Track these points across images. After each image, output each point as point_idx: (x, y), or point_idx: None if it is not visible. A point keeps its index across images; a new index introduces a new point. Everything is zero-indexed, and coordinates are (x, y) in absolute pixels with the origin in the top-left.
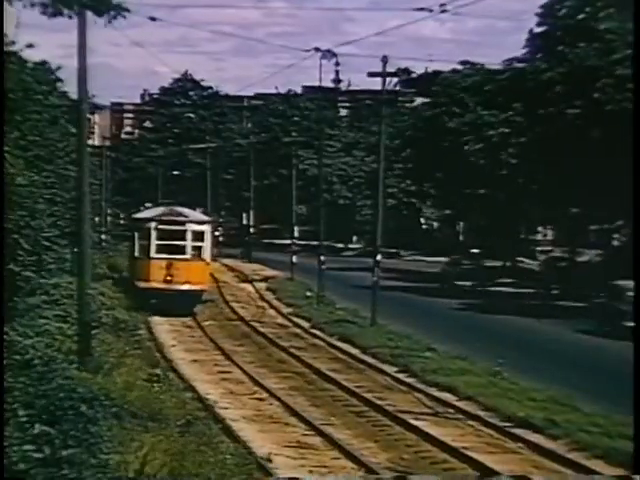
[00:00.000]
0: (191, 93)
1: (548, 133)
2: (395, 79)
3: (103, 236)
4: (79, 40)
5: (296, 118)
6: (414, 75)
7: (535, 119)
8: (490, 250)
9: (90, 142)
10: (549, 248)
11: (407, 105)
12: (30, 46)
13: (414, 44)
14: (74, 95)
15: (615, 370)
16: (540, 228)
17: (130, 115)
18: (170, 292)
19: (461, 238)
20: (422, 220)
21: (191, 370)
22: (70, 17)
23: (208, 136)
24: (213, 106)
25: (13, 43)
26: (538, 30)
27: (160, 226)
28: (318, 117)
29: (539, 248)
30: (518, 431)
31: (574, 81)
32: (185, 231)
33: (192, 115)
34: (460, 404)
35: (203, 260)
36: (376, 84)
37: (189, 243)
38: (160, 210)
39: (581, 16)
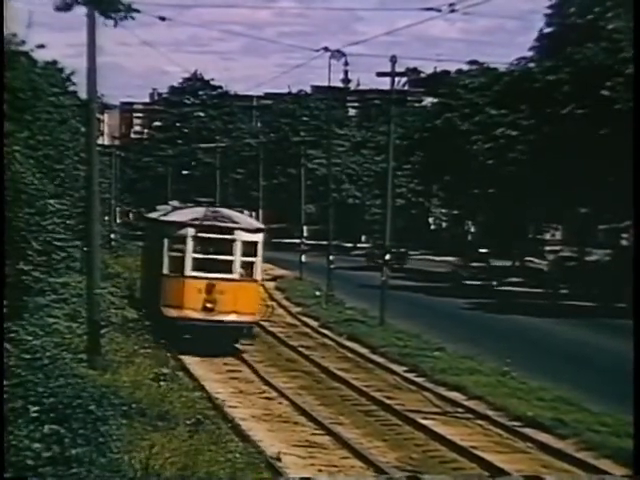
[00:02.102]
0: (201, 93)
1: (556, 133)
2: (404, 79)
3: (112, 235)
4: (88, 40)
5: (305, 118)
6: (423, 75)
7: (543, 119)
8: (499, 250)
9: (99, 141)
10: (558, 248)
11: (416, 105)
12: (41, 46)
13: (423, 44)
14: (84, 95)
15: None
16: (549, 228)
17: (139, 114)
18: (210, 325)
19: (469, 238)
20: (430, 220)
21: (201, 371)
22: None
23: (217, 135)
24: (223, 105)
25: (23, 43)
26: (546, 30)
27: (200, 234)
28: (327, 117)
29: (548, 248)
30: (527, 430)
31: (582, 81)
32: (233, 242)
33: (202, 114)
34: (469, 403)
35: (255, 281)
36: (385, 84)
37: (238, 258)
38: (199, 212)
39: (589, 16)
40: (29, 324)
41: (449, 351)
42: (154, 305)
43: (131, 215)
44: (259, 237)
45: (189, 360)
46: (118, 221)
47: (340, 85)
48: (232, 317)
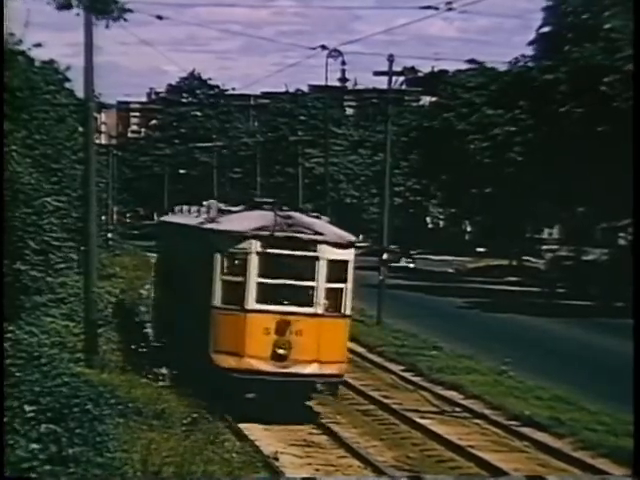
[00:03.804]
0: (198, 92)
1: (554, 132)
2: (401, 78)
3: (110, 235)
4: (86, 39)
5: (303, 117)
6: (420, 74)
7: (541, 118)
8: (496, 249)
9: (97, 141)
10: (555, 247)
11: (413, 104)
12: (38, 45)
13: (421, 43)
14: (81, 94)
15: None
16: (546, 227)
17: (137, 114)
18: (282, 379)
19: (467, 237)
20: (428, 219)
21: None
22: (78, 14)
23: (215, 135)
24: (220, 105)
25: (21, 42)
26: (544, 29)
27: (269, 249)
28: (325, 116)
29: (545, 247)
30: (524, 429)
31: (580, 80)
32: (316, 261)
33: (199, 114)
34: (466, 402)
35: (343, 316)
36: (382, 83)
37: (322, 284)
38: (264, 218)
39: (586, 15)
40: (26, 323)
41: (446, 350)
42: (196, 351)
43: (128, 215)
44: (350, 254)
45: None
46: (115, 220)
47: (337, 84)
48: (313, 368)
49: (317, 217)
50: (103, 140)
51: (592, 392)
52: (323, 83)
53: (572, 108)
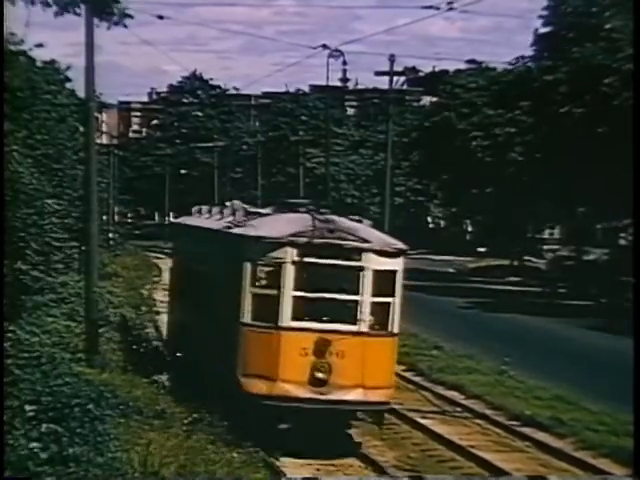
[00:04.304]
0: (199, 92)
1: (554, 132)
2: (402, 78)
3: (110, 234)
4: (87, 39)
5: (304, 117)
6: (421, 74)
7: (541, 118)
8: (497, 249)
9: (98, 141)
10: (556, 247)
11: (414, 104)
12: (39, 45)
13: (422, 43)
14: (82, 94)
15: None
16: (547, 227)
17: (138, 114)
18: (321, 407)
19: (468, 237)
20: (429, 219)
21: None
22: (78, 14)
23: (216, 135)
24: (221, 105)
25: (22, 42)
26: (544, 29)
27: (307, 258)
28: (326, 116)
29: (546, 247)
30: (525, 429)
31: (580, 80)
32: (360, 271)
33: (200, 114)
34: (467, 402)
35: (391, 334)
36: (384, 83)
37: (367, 298)
38: (301, 221)
39: (587, 15)
40: (27, 323)
41: (447, 350)
42: (221, 373)
43: (129, 215)
44: (398, 264)
45: None
46: (116, 220)
47: (339, 84)
48: (356, 394)
49: (359, 221)
50: (104, 140)
51: (593, 392)
52: (324, 83)
53: (573, 108)
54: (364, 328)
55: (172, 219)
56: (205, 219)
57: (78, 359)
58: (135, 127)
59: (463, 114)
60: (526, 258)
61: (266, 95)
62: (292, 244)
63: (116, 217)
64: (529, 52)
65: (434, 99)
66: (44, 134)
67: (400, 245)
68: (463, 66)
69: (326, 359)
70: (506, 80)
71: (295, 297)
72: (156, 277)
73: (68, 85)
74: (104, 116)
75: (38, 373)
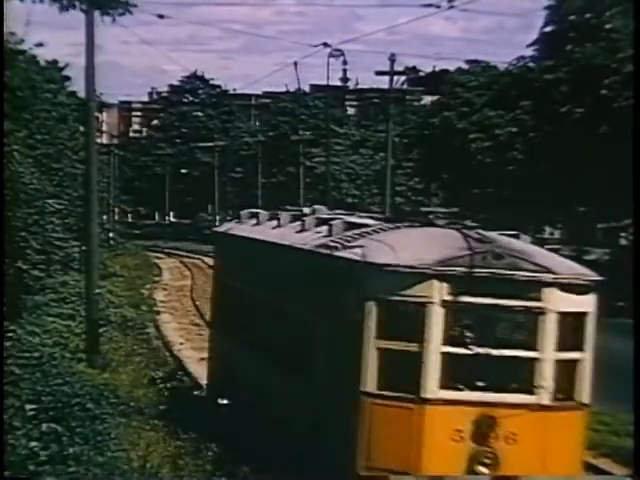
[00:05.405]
0: (200, 92)
1: (555, 132)
2: (403, 77)
3: (111, 234)
4: (87, 38)
5: (304, 116)
6: (422, 74)
7: (542, 118)
8: None
9: (98, 140)
10: (557, 247)
11: (415, 103)
12: (40, 45)
13: (424, 42)
14: (83, 93)
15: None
16: (547, 227)
17: (138, 113)
18: None
19: None
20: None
21: None
22: (83, 11)
23: (216, 134)
24: (221, 104)
25: (22, 41)
26: (545, 29)
27: (464, 297)
28: (326, 115)
29: (547, 246)
30: None
31: (581, 80)
32: (539, 314)
33: (200, 114)
34: None
35: (580, 407)
36: (384, 82)
37: (548, 354)
38: (444, 240)
39: (588, 15)
40: (28, 323)
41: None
42: (324, 461)
43: (130, 214)
44: (590, 303)
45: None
46: (117, 220)
47: (339, 84)
48: None
49: (515, 236)
50: (104, 140)
51: (593, 392)
52: (324, 82)
53: (573, 108)
54: (545, 399)
55: (216, 228)
56: (271, 230)
57: (78, 359)
58: (135, 127)
59: (463, 113)
60: None
61: (266, 95)
62: (442, 276)
63: (116, 217)
64: (530, 52)
65: (435, 98)
66: (44, 134)
67: (593, 275)
68: (464, 65)
69: (491, 446)
70: (507, 79)
71: (445, 355)
72: (156, 277)
73: (68, 84)
74: (104, 116)
75: (38, 373)
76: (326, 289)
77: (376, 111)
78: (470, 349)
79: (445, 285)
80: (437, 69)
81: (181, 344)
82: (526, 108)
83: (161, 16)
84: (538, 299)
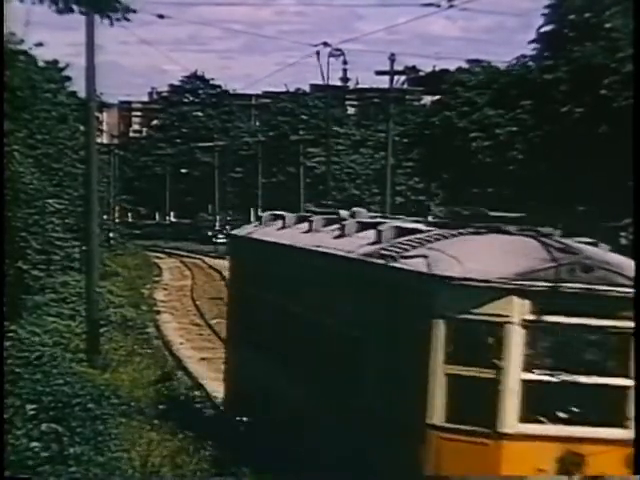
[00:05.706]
0: (200, 91)
1: (555, 131)
2: (403, 77)
3: (111, 234)
4: (87, 38)
5: (304, 116)
6: (422, 73)
7: (542, 117)
8: None
9: (98, 140)
10: None
11: (415, 103)
12: (40, 45)
13: (424, 42)
14: (83, 93)
15: None
16: (548, 226)
17: (138, 113)
18: None
19: None
20: (430, 218)
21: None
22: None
23: (216, 134)
24: (221, 104)
25: (22, 41)
26: (545, 28)
27: (549, 316)
28: (326, 115)
29: None
30: None
31: (580, 80)
32: (631, 336)
33: (200, 114)
34: None
35: None
36: (384, 82)
37: None
38: (523, 253)
39: (588, 14)
40: (28, 323)
41: None
42: None
43: (130, 214)
44: None
45: None
46: (117, 220)
47: (339, 83)
48: None
49: (593, 244)
50: (105, 140)
51: None
52: (324, 82)
53: (573, 107)
54: (628, 437)
55: (232, 231)
56: (302, 234)
57: (79, 359)
58: (136, 127)
59: (464, 113)
60: None
61: (266, 95)
62: (522, 292)
63: (117, 217)
64: (529, 51)
65: (435, 98)
66: (44, 134)
67: None
68: (464, 65)
69: None
70: (507, 79)
71: (526, 383)
72: (157, 277)
73: (68, 84)
74: (105, 116)
75: (39, 373)
76: (380, 304)
77: (376, 111)
78: (554, 376)
79: (526, 302)
80: (437, 69)
81: (181, 344)
82: (526, 107)
83: (161, 16)
84: (630, 318)
